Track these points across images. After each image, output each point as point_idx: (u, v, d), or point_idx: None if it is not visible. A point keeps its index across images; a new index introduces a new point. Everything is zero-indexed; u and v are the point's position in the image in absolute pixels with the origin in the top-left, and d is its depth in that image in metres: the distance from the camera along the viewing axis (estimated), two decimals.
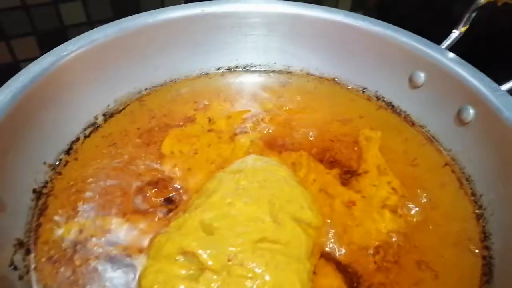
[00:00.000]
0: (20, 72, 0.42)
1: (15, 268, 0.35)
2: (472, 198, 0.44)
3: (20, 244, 0.37)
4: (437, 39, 0.52)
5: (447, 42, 0.50)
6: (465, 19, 0.49)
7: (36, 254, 0.37)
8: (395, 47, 0.52)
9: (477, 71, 0.46)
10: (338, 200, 0.43)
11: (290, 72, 0.59)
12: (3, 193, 0.37)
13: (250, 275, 0.32)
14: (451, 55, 0.48)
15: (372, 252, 0.39)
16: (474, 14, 0.48)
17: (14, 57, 0.65)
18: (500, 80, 0.45)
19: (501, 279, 0.36)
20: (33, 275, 0.35)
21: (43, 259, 0.36)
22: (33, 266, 0.36)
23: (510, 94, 0.43)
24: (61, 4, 0.63)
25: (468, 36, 0.51)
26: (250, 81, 0.59)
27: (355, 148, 0.49)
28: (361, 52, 0.55)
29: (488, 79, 0.45)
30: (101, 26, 0.49)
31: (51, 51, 0.45)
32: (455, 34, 0.50)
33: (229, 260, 0.33)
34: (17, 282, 0.34)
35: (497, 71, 0.46)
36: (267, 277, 0.33)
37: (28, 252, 0.37)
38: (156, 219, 0.40)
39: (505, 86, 0.44)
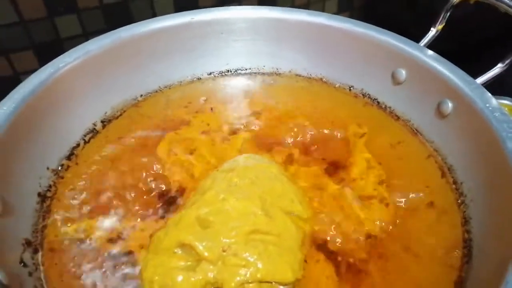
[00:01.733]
0: (20, 85, 0.44)
1: (25, 265, 0.37)
2: (454, 186, 0.45)
3: (28, 243, 0.39)
4: (420, 36, 0.54)
5: (425, 40, 0.52)
6: (441, 17, 0.51)
7: (43, 253, 0.39)
8: (377, 46, 0.54)
9: (453, 66, 0.48)
10: (327, 193, 0.45)
11: (279, 73, 0.62)
12: (11, 197, 0.39)
13: (243, 263, 0.35)
14: (430, 52, 0.50)
15: (360, 240, 0.41)
16: (449, 13, 0.51)
17: (14, 70, 0.67)
18: (475, 73, 0.47)
19: (479, 259, 0.38)
20: (41, 272, 0.37)
21: (50, 258, 0.39)
22: (41, 263, 0.38)
23: (484, 87, 0.45)
24: (57, 17, 0.65)
25: (446, 33, 0.53)
26: (241, 83, 0.61)
27: (344, 144, 0.51)
28: (346, 52, 0.57)
29: (463, 73, 0.46)
30: (96, 38, 0.51)
31: (48, 64, 0.47)
32: (432, 32, 0.52)
33: (223, 251, 0.35)
34: (27, 278, 0.36)
35: (472, 65, 0.48)
36: (259, 265, 0.35)
37: (36, 251, 0.39)
38: (156, 218, 0.42)
39: (480, 79, 0.47)
